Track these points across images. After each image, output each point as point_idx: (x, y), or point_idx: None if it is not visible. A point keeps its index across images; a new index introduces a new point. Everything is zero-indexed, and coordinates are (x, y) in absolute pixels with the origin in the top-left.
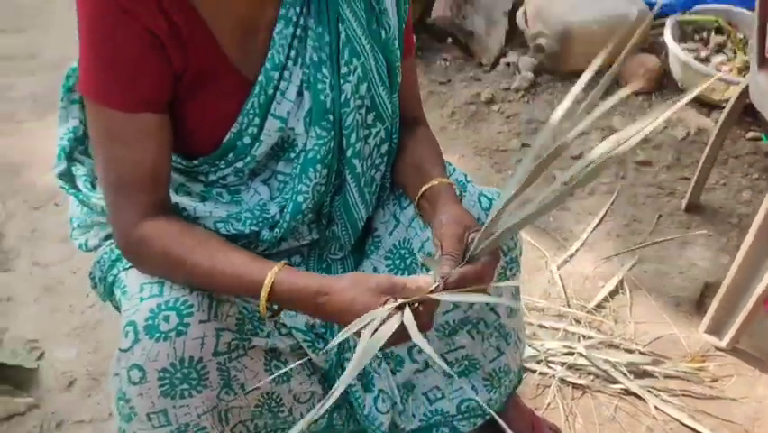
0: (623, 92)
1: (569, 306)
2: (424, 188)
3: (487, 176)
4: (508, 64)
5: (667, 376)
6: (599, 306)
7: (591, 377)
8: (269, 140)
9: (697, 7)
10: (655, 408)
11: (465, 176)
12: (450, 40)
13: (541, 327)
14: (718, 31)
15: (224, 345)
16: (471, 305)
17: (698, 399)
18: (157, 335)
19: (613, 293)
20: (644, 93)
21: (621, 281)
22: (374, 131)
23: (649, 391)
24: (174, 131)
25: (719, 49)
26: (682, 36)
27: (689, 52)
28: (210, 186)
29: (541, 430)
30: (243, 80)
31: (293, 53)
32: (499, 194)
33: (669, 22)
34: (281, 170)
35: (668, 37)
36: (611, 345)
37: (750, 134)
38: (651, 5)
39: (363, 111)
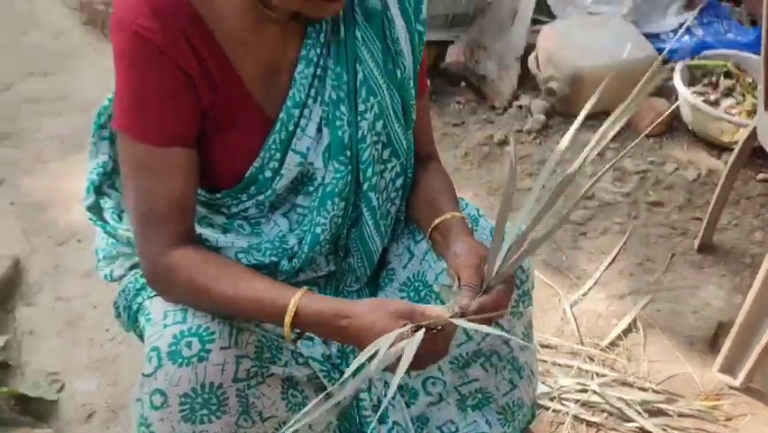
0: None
1: (582, 343)
2: (436, 221)
3: None
4: (521, 107)
5: (681, 415)
6: (613, 344)
7: (605, 415)
8: (290, 174)
9: (705, 52)
10: None
11: (477, 210)
12: (463, 83)
13: (554, 364)
14: (727, 75)
15: (244, 371)
16: (485, 337)
17: None
18: (179, 360)
19: (626, 331)
20: (655, 135)
21: (634, 320)
22: (389, 165)
23: (663, 430)
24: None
25: (729, 92)
26: (692, 80)
27: (698, 96)
28: (232, 218)
29: None
30: (266, 117)
31: (313, 92)
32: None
33: (678, 66)
34: (300, 203)
35: (677, 81)
36: (625, 383)
37: (761, 176)
38: (660, 50)
39: (379, 146)
